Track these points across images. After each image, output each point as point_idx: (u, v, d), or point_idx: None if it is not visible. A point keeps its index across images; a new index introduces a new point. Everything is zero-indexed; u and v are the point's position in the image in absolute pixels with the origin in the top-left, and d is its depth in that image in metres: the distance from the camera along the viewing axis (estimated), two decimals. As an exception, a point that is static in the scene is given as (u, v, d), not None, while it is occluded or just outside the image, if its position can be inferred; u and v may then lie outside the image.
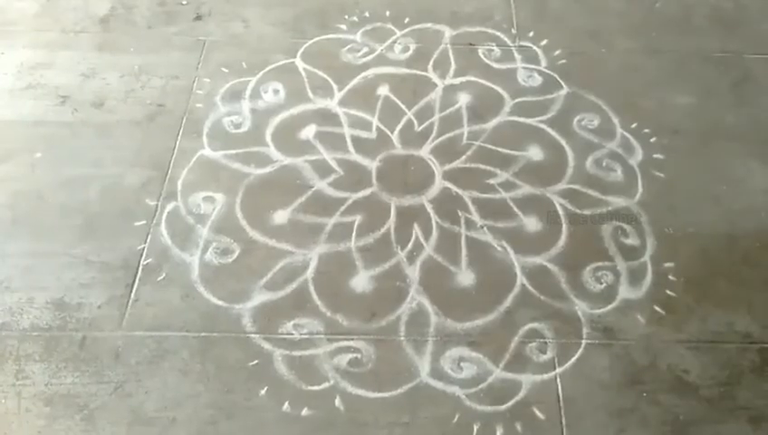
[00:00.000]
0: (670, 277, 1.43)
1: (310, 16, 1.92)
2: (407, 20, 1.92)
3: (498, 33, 1.90)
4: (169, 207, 1.51)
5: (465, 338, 1.33)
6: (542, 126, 1.68)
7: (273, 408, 1.24)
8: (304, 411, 1.23)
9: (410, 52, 1.84)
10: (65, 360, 1.28)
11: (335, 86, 1.75)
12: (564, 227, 1.51)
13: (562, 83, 1.77)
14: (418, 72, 1.80)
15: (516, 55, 1.85)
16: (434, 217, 1.51)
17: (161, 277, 1.40)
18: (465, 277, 1.42)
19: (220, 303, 1.37)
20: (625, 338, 1.35)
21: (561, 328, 1.35)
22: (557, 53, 1.85)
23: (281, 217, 1.50)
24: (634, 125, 1.69)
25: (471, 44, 1.87)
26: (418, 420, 1.23)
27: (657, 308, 1.39)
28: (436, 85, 1.77)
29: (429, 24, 1.92)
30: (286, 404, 1.24)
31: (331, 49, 1.84)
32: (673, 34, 1.87)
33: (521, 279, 1.42)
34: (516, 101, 1.73)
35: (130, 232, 1.46)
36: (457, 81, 1.78)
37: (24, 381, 1.26)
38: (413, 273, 1.42)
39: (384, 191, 1.55)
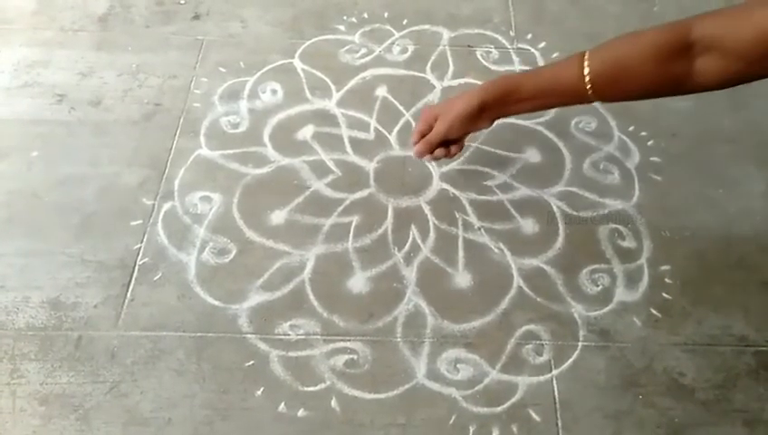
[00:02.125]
0: (666, 280, 1.44)
1: (308, 17, 1.92)
2: (405, 21, 1.92)
3: (496, 36, 1.91)
4: (166, 206, 1.50)
5: (461, 340, 1.33)
6: (540, 128, 1.69)
7: (269, 409, 1.24)
8: (300, 412, 1.23)
9: (408, 53, 1.84)
10: (61, 359, 1.28)
11: (333, 87, 1.75)
12: (561, 229, 1.51)
13: (560, 86, 1.77)
14: (417, 74, 1.80)
15: (514, 57, 1.85)
16: (431, 219, 1.51)
17: (157, 277, 1.39)
18: (462, 279, 1.42)
19: (216, 303, 1.36)
20: (621, 340, 1.35)
21: (558, 330, 1.36)
22: (555, 55, 1.86)
23: (278, 217, 1.50)
24: (631, 128, 1.70)
25: (469, 46, 1.87)
26: (415, 422, 1.23)
27: (653, 311, 1.39)
28: (434, 87, 1.77)
29: (427, 26, 1.92)
30: (282, 405, 1.24)
31: (329, 50, 1.84)
32: (670, 38, 1.87)
33: (518, 281, 1.42)
34: (514, 103, 1.73)
35: (127, 231, 1.45)
36: (455, 82, 1.78)
37: (19, 380, 1.25)
38: (410, 274, 1.42)
39: (382, 192, 1.55)
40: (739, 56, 1.01)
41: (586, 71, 1.16)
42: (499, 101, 1.27)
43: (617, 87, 1.17)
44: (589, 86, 1.16)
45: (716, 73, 1.06)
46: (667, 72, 1.10)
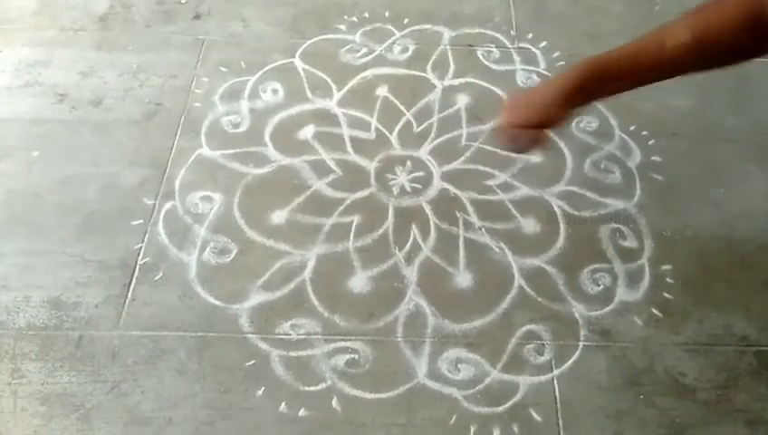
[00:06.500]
0: (668, 280, 1.43)
1: (309, 16, 1.92)
2: (406, 21, 1.92)
3: (497, 35, 1.91)
4: (167, 206, 1.50)
5: (462, 339, 1.33)
6: (541, 128, 1.68)
7: (270, 408, 1.24)
8: (301, 412, 1.23)
9: (409, 53, 1.84)
10: (62, 359, 1.28)
11: (334, 86, 1.75)
12: (562, 228, 1.51)
13: (561, 85, 1.76)
14: (417, 73, 1.80)
15: (515, 57, 1.85)
16: (432, 219, 1.51)
17: (158, 277, 1.39)
18: (463, 278, 1.42)
19: (217, 302, 1.36)
20: (622, 340, 1.35)
21: (559, 330, 1.35)
22: (556, 54, 1.86)
23: (279, 217, 1.50)
24: (632, 127, 1.69)
25: (470, 46, 1.87)
26: (416, 422, 1.23)
27: (654, 310, 1.39)
28: (435, 86, 1.77)
29: (428, 26, 1.92)
30: (283, 405, 1.24)
31: (330, 49, 1.84)
32: (672, 37, 1.87)
33: (518, 281, 1.42)
34: (515, 102, 1.73)
35: (128, 231, 1.45)
36: (456, 82, 1.78)
37: (21, 380, 1.25)
38: (411, 274, 1.42)
39: (382, 192, 1.55)
40: None
41: (674, 41, 1.07)
42: (596, 81, 1.12)
43: (707, 53, 1.08)
44: (677, 51, 1.07)
45: None
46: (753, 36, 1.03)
